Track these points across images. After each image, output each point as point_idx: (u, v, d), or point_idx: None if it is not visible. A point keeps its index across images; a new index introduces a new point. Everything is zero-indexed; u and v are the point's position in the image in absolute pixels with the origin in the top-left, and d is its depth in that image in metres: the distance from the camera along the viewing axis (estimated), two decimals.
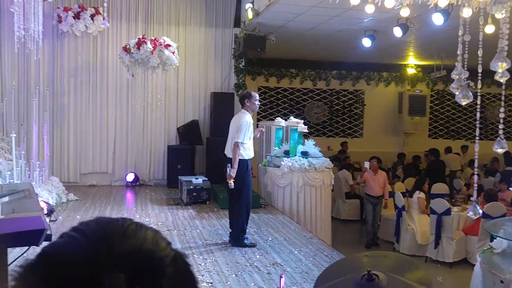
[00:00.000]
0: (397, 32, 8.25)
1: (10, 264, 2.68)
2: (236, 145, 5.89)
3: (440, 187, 9.77)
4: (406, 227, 8.50)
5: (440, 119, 15.45)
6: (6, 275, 2.66)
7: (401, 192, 8.96)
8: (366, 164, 9.35)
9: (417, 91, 14.69)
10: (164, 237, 0.75)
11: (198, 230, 6.79)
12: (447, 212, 7.79)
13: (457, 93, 3.66)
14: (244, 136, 5.92)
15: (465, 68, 3.67)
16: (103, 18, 8.96)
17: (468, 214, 3.88)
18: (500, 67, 3.34)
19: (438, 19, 7.04)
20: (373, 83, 14.65)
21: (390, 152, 13.83)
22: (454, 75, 3.70)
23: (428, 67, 14.01)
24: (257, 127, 6.29)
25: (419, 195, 8.46)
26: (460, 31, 3.61)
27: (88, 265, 0.63)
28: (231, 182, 5.85)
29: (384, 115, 14.73)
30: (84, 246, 0.65)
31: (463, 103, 3.65)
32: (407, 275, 1.51)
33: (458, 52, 3.61)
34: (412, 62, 14.30)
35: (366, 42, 9.46)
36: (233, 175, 5.85)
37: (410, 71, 14.62)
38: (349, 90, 14.65)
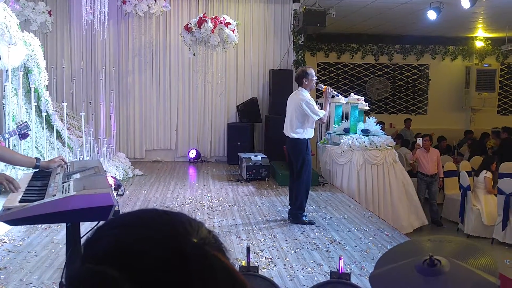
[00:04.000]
0: (465, 3, 7.86)
1: (82, 236, 2.85)
2: (322, 122, 6.18)
3: (509, 166, 9.32)
4: (471, 207, 8.22)
5: (510, 94, 14.66)
6: (80, 247, 2.84)
7: (467, 171, 8.65)
8: (419, 141, 9.13)
9: (485, 65, 13.99)
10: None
11: (257, 206, 6.89)
12: None
13: None
14: (317, 111, 5.92)
15: None
16: (165, 0, 9.12)
17: None
18: None
19: None
20: (438, 57, 14.09)
21: (455, 130, 13.33)
22: None
23: (498, 39, 13.27)
24: (316, 104, 6.20)
25: (485, 174, 8.14)
26: None
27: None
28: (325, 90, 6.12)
29: (449, 90, 14.17)
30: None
31: None
32: (471, 261, 1.48)
33: None
34: (480, 35, 13.58)
35: (431, 15, 9.07)
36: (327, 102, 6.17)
37: (479, 44, 13.91)
38: (413, 64, 14.17)
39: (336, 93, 6.49)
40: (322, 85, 6.29)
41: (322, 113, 5.97)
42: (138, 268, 0.64)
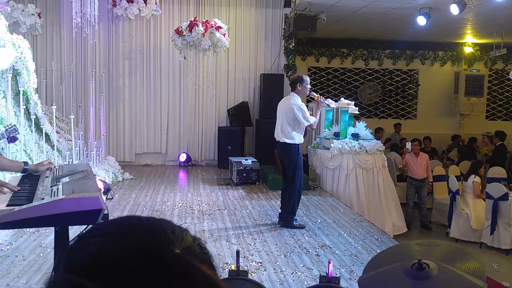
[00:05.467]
0: (454, 9, 7.94)
1: (71, 240, 2.83)
2: (312, 128, 6.12)
3: (497, 171, 9.42)
4: (459, 212, 8.28)
5: (498, 99, 14.81)
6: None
7: (456, 176, 8.71)
8: (408, 145, 9.20)
9: (474, 70, 14.12)
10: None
11: (248, 210, 6.88)
12: (504, 197, 7.52)
13: None
14: (307, 117, 5.94)
15: None
16: (155, 2, 9.12)
17: None
18: None
19: None
20: (428, 62, 14.20)
21: (444, 134, 13.44)
22: None
23: (486, 45, 13.40)
24: (307, 108, 6.22)
25: (474, 179, 8.20)
26: None
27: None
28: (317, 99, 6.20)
29: (439, 95, 14.28)
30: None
31: None
32: (459, 265, 1.49)
33: None
34: (469, 41, 13.72)
35: (421, 20, 9.15)
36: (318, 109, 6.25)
37: (467, 49, 14.05)
38: (403, 69, 14.27)
39: (327, 102, 6.61)
40: (315, 94, 6.33)
41: (312, 120, 6.00)
42: (118, 279, 0.63)
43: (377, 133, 11.78)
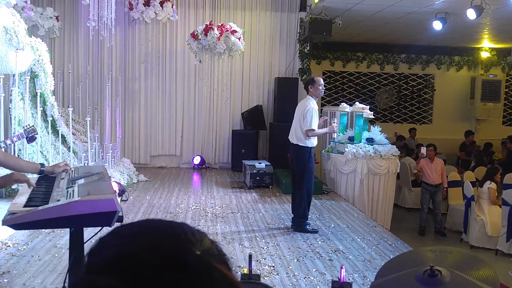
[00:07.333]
0: (471, 14, 7.87)
1: (85, 242, 2.87)
2: (307, 134, 5.93)
3: None
4: (474, 218, 8.18)
5: None
6: (83, 251, 2.85)
7: (471, 182, 8.62)
8: (423, 150, 9.11)
9: (491, 75, 13.96)
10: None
11: (261, 214, 6.89)
12: None
13: None
14: (311, 122, 5.90)
15: None
16: (172, 6, 9.20)
17: None
18: None
19: None
20: (443, 67, 14.07)
21: (460, 139, 13.29)
22: None
23: (504, 50, 13.25)
24: (321, 112, 6.25)
25: (490, 185, 8.10)
26: None
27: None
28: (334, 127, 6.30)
29: (454, 100, 14.14)
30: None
31: None
32: (472, 272, 1.48)
33: None
34: (486, 45, 13.57)
35: (437, 25, 9.09)
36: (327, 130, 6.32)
37: (484, 54, 13.90)
38: (419, 74, 14.16)
39: (336, 134, 7.01)
40: (334, 122, 6.44)
41: (314, 128, 5.95)
42: (139, 278, 0.64)
43: (399, 140, 11.73)
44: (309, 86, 6.04)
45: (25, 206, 2.60)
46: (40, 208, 2.51)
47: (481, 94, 13.80)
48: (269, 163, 8.93)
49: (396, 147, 8.42)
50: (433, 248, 1.83)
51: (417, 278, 1.47)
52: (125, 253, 0.67)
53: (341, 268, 2.44)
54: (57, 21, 9.08)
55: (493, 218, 8.02)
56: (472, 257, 1.63)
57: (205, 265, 0.67)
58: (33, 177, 3.19)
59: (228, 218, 6.61)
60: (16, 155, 6.09)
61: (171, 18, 9.39)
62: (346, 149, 8.05)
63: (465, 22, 8.62)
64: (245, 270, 2.92)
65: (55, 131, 7.40)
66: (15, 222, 2.47)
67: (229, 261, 0.73)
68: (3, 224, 2.47)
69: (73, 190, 2.67)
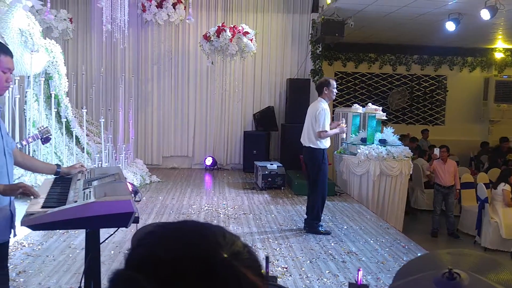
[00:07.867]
0: (485, 14, 7.80)
1: (102, 242, 2.90)
2: (319, 135, 5.92)
3: None
4: (488, 220, 8.11)
5: None
6: (99, 252, 2.88)
7: (484, 183, 8.55)
8: (436, 151, 9.05)
9: (505, 76, 13.82)
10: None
11: (273, 215, 6.89)
12: None
13: None
14: (324, 123, 5.89)
15: None
16: (184, 7, 9.24)
17: None
18: None
19: None
20: (456, 68, 13.97)
21: (473, 141, 13.19)
22: None
23: None
24: (333, 113, 6.23)
25: (504, 187, 8.03)
26: None
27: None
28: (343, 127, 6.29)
29: (467, 101, 14.02)
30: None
31: None
32: (492, 276, 1.47)
33: None
34: (500, 46, 13.45)
35: (450, 26, 9.02)
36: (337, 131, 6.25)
37: (498, 55, 13.77)
38: (431, 75, 14.06)
39: (345, 133, 6.94)
40: (343, 122, 6.40)
41: (326, 129, 5.95)
42: (165, 277, 0.67)
43: (412, 142, 11.66)
44: (324, 88, 6.02)
45: (42, 207, 2.63)
46: (57, 209, 2.53)
47: (494, 95, 13.67)
48: (281, 164, 8.93)
49: (409, 149, 8.38)
50: (450, 251, 1.82)
51: (435, 280, 1.47)
52: (153, 252, 0.70)
53: (358, 270, 2.44)
54: (71, 23, 9.17)
55: (507, 220, 7.95)
56: (491, 260, 1.62)
57: (230, 268, 0.69)
58: (49, 178, 3.22)
59: (241, 219, 6.63)
60: (31, 156, 6.16)
61: (187, 21, 9.44)
62: (359, 151, 8.02)
63: (478, 22, 8.55)
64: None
65: (69, 132, 7.47)
66: (34, 223, 2.49)
67: (259, 266, 0.74)
68: (21, 225, 2.49)
69: (90, 191, 2.70)
